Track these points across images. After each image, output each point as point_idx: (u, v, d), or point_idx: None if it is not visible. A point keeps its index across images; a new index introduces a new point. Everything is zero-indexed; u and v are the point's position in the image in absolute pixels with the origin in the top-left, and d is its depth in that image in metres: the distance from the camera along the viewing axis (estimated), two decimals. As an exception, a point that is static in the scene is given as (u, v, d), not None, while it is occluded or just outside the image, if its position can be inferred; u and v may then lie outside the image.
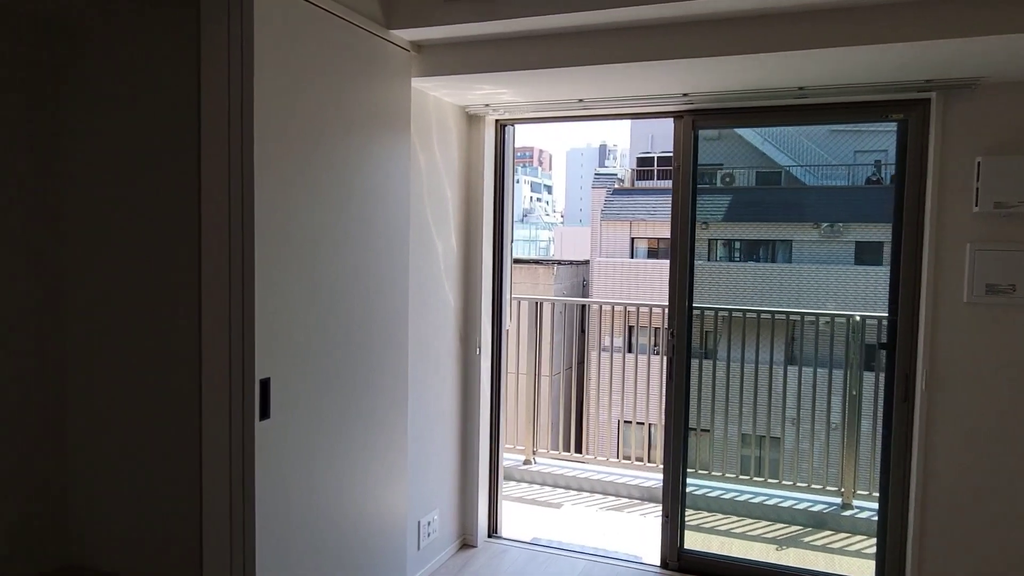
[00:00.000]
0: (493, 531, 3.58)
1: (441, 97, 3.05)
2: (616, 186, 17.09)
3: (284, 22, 2.04)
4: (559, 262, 15.77)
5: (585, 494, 4.40)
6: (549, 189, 54.42)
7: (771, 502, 4.04)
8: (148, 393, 2.94)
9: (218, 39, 1.97)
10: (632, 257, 15.54)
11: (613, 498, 4.35)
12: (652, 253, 15.57)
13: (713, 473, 4.29)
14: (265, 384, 2.02)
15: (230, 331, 2.00)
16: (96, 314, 3.01)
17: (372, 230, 2.47)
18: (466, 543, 3.46)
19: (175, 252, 2.83)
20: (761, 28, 2.22)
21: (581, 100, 2.97)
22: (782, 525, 3.92)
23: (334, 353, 2.30)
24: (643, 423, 6.45)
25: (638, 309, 6.31)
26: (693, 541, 3.33)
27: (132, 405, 2.98)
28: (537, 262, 15.33)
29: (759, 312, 4.73)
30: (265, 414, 2.02)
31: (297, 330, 2.14)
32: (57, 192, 3.02)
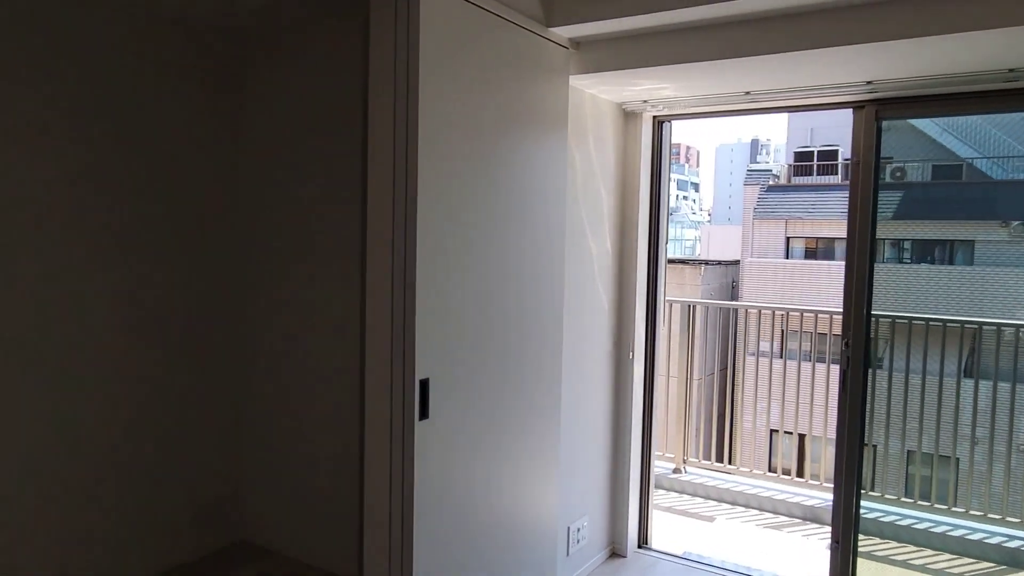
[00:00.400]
0: (643, 541, 3.46)
1: (598, 94, 2.97)
2: (771, 183, 16.25)
3: (448, 25, 2.04)
4: (706, 262, 15.21)
5: (740, 508, 4.17)
6: (696, 187, 52.86)
7: (955, 533, 3.63)
8: (313, 388, 3.09)
9: (385, 43, 2.00)
10: (787, 257, 14.71)
11: (770, 515, 4.09)
12: (810, 253, 14.65)
13: (887, 496, 3.93)
14: (425, 384, 2.03)
15: (392, 332, 2.03)
16: (268, 314, 3.20)
17: (529, 231, 2.44)
18: (615, 552, 3.37)
19: (340, 253, 2.95)
20: (971, 4, 1.96)
21: (748, 93, 2.79)
22: (970, 560, 3.51)
23: (490, 355, 2.29)
24: (791, 432, 6.07)
25: (788, 314, 5.91)
26: (866, 570, 3.05)
27: (299, 399, 3.14)
28: (683, 262, 14.87)
29: (936, 320, 4.28)
30: (424, 414, 2.04)
31: (455, 331, 2.14)
32: (235, 197, 3.24)
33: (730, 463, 4.71)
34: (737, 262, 15.12)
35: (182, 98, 2.99)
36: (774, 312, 5.99)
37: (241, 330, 3.28)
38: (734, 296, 14.60)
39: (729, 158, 45.63)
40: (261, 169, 3.18)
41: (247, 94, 3.19)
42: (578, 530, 3.07)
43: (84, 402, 2.72)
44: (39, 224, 2.56)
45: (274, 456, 3.24)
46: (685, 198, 49.75)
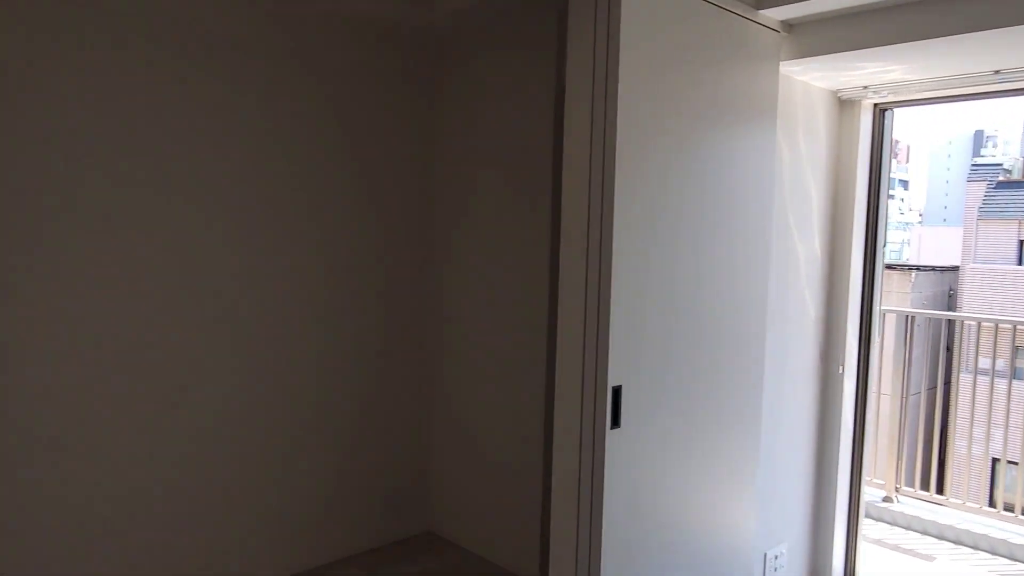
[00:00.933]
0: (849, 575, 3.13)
1: (810, 81, 2.71)
2: (1000, 178, 14.34)
3: (650, 12, 1.92)
4: (918, 268, 13.71)
5: (966, 549, 3.66)
6: (904, 184, 48.10)
7: None
8: (500, 383, 3.09)
9: (584, 33, 1.92)
10: (1020, 263, 12.91)
11: (1006, 560, 3.54)
12: (1049, 259, 12.78)
13: None
14: (617, 392, 1.93)
15: (584, 336, 1.95)
16: (458, 309, 3.26)
17: (730, 232, 2.26)
18: (816, 585, 3.07)
19: (530, 252, 2.93)
20: None
21: (997, 72, 2.41)
22: None
23: (684, 363, 2.14)
24: (1015, 463, 5.26)
25: (1015, 328, 5.12)
26: None
27: (486, 394, 3.16)
28: (890, 267, 13.50)
29: None
30: (616, 423, 1.94)
31: (650, 337, 2.02)
32: (430, 195, 3.33)
33: (940, 492, 4.15)
34: (955, 268, 13.51)
35: (381, 101, 3.11)
36: (996, 325, 5.26)
37: (432, 324, 3.37)
38: (951, 306, 13.06)
39: (946, 152, 41.03)
40: (455, 169, 3.24)
41: (441, 96, 3.27)
42: (775, 557, 2.82)
43: (281, 389, 2.91)
44: (244, 220, 2.77)
45: (460, 448, 3.30)
46: (892, 196, 45.44)
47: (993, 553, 3.60)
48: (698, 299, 2.17)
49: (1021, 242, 12.75)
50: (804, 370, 2.88)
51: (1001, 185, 13.74)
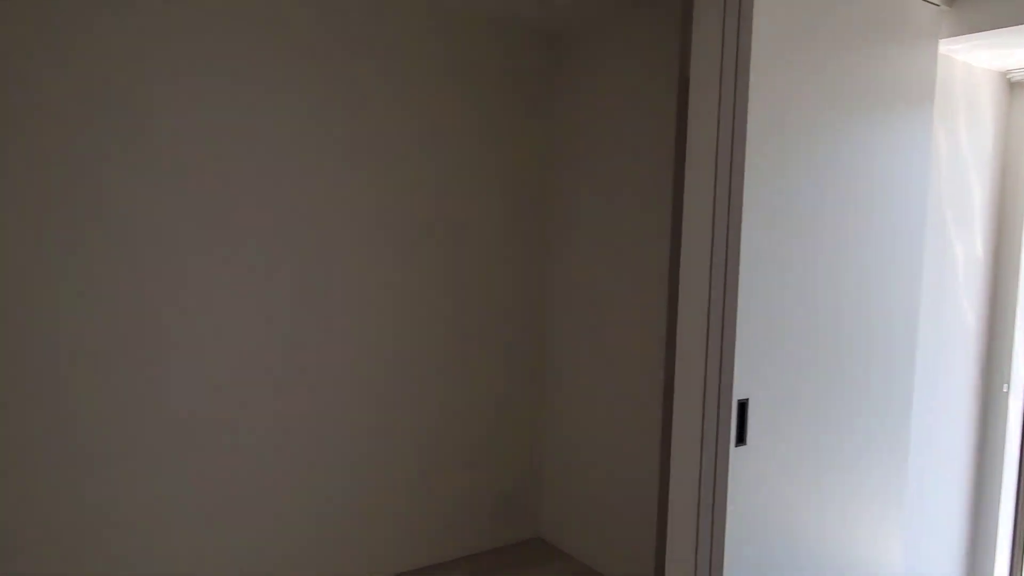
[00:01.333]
0: (1011, 621, 2.76)
1: (973, 62, 2.39)
2: None
3: (789, -14, 1.73)
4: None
5: None
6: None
7: None
8: (613, 395, 2.96)
9: (711, 11, 1.76)
10: None
11: None
12: None
13: None
14: (743, 406, 1.76)
15: (707, 345, 1.79)
16: (573, 313, 3.15)
17: (879, 231, 2.02)
18: (970, 628, 2.73)
19: (648, 253, 2.77)
20: None
21: None
22: None
23: (822, 375, 1.93)
24: None
25: None
26: None
27: (599, 402, 3.03)
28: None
29: None
30: (741, 439, 1.77)
31: (781, 345, 1.83)
32: (546, 194, 3.24)
33: None
34: None
35: (500, 99, 3.04)
36: None
37: (546, 328, 3.28)
38: None
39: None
40: (572, 167, 3.13)
41: (558, 91, 3.17)
42: (922, 594, 2.52)
43: (400, 391, 2.90)
44: (376, 222, 2.77)
45: (572, 455, 3.19)
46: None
47: None
48: (838, 304, 1.95)
49: None
50: (961, 386, 2.56)
51: None
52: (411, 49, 2.78)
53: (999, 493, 2.65)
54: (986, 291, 2.59)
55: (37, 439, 2.21)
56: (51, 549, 2.25)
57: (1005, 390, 2.61)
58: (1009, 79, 2.53)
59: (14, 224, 2.12)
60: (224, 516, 2.54)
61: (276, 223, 2.56)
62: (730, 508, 1.77)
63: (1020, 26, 2.00)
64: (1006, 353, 2.60)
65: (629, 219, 2.87)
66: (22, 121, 2.11)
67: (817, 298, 1.89)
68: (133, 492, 2.37)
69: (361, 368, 2.79)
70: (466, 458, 3.10)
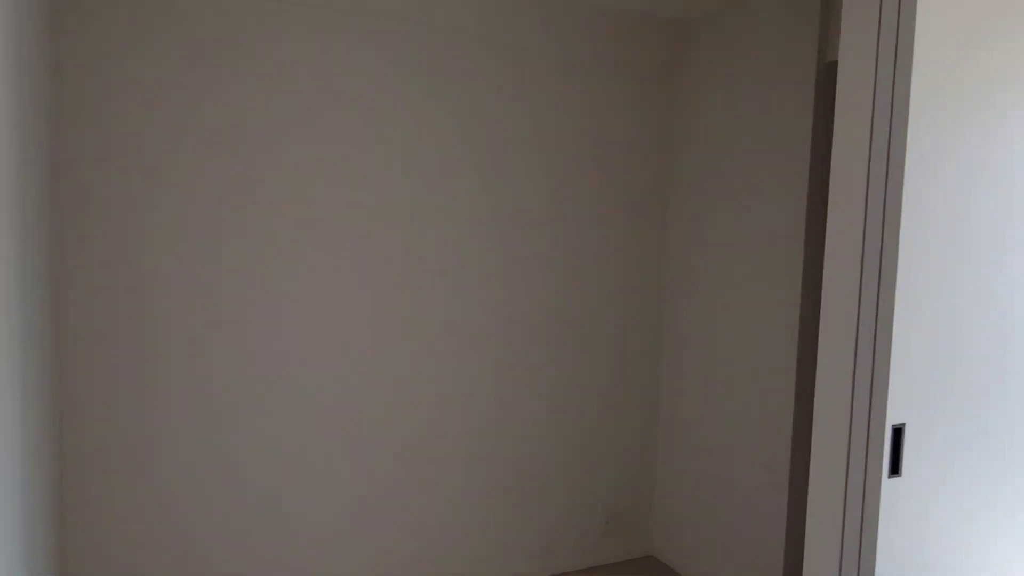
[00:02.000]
0: None
1: None
2: None
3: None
4: None
5: None
6: None
7: None
8: (737, 402, 2.75)
9: (868, -11, 1.55)
10: None
11: None
12: None
13: None
14: (898, 432, 1.55)
15: (855, 361, 1.58)
16: (695, 321, 2.96)
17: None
18: None
19: (775, 252, 2.56)
20: None
21: None
22: None
23: (999, 396, 1.68)
24: None
25: None
26: None
27: (718, 413, 2.83)
28: None
29: None
30: (895, 469, 1.55)
31: (946, 362, 1.60)
32: (668, 190, 3.06)
33: None
34: None
35: (615, 89, 2.90)
36: None
37: (664, 329, 3.11)
38: None
39: None
40: (694, 166, 2.95)
41: (678, 81, 2.99)
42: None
43: (517, 401, 2.81)
44: (487, 223, 2.69)
45: (690, 467, 3.00)
46: None
47: None
48: (1007, 311, 1.69)
49: None
50: None
51: None
52: (523, 41, 2.68)
53: None
54: None
55: (196, 438, 2.25)
56: (180, 548, 2.29)
57: None
58: None
59: (166, 226, 2.18)
60: (352, 520, 2.53)
61: (389, 220, 2.52)
62: (880, 547, 1.56)
63: None
64: None
65: (757, 214, 2.65)
66: (180, 140, 2.16)
67: (984, 308, 1.65)
68: (262, 493, 2.39)
69: (470, 371, 2.72)
70: (575, 467, 2.97)
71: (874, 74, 1.54)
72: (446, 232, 2.63)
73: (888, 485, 1.55)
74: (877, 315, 1.54)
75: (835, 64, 2.47)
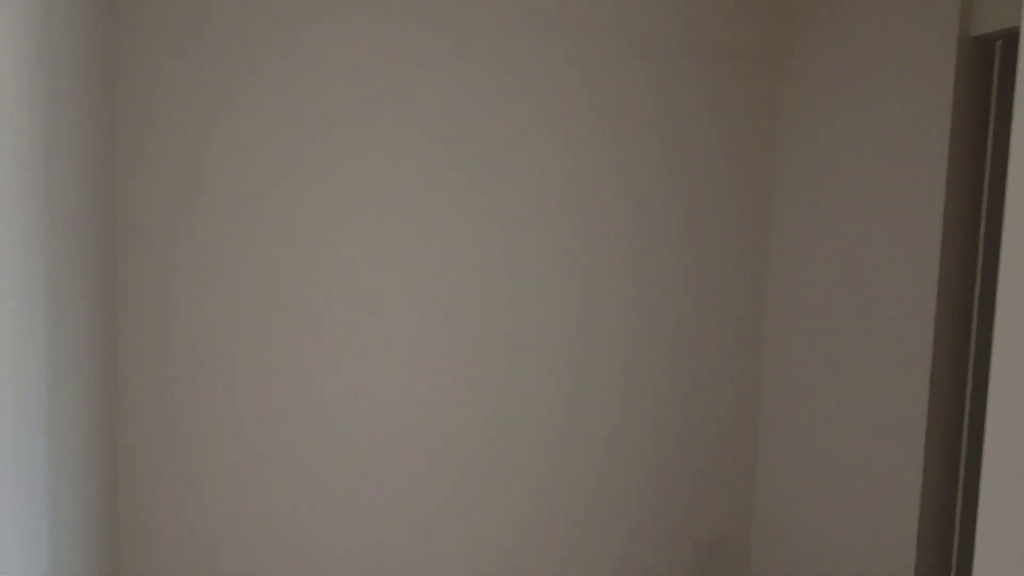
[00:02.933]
0: None
1: None
2: None
3: None
4: None
5: None
6: None
7: None
8: (855, 426, 2.42)
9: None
10: None
11: None
12: None
13: None
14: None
15: None
16: (800, 329, 2.65)
17: None
18: None
19: (903, 260, 2.23)
20: None
21: None
22: None
23: None
24: None
25: None
26: None
27: (832, 439, 2.50)
28: None
29: None
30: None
31: None
32: (772, 188, 2.77)
33: None
34: None
35: (715, 76, 2.62)
36: None
37: (768, 344, 2.80)
38: None
39: None
40: (804, 154, 2.64)
41: (786, 67, 2.69)
42: None
43: (589, 414, 2.57)
44: (559, 224, 2.47)
45: (796, 493, 2.67)
46: None
47: None
48: None
49: None
50: None
51: None
52: (597, 18, 2.45)
53: None
54: None
55: (275, 439, 2.13)
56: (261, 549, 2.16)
57: None
58: None
59: (221, 232, 2.06)
60: (408, 546, 2.35)
61: (455, 218, 2.34)
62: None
63: None
64: None
65: (882, 210, 2.33)
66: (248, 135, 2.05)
67: None
68: (317, 510, 2.23)
69: (535, 381, 2.49)
70: (658, 488, 2.69)
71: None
72: (516, 227, 2.42)
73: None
74: None
75: (982, 39, 2.13)
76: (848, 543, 2.45)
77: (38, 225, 1.36)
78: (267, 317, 2.17)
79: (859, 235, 2.41)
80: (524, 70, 2.37)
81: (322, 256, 2.20)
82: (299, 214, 2.17)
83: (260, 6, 2.08)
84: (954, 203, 2.14)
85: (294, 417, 2.21)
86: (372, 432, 2.30)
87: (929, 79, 2.15)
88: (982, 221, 2.20)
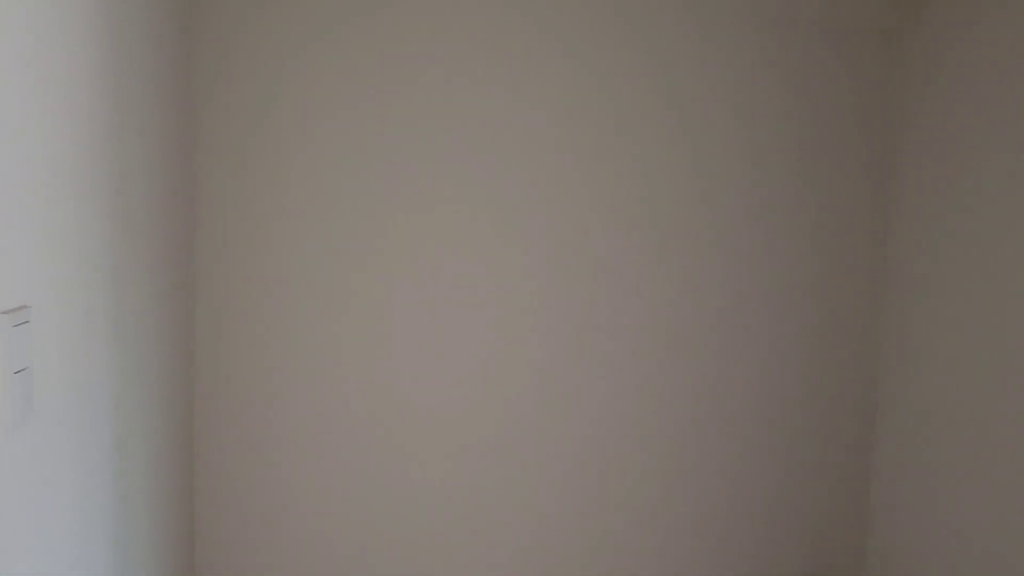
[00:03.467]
0: None
1: None
2: None
3: None
4: None
5: None
6: None
7: None
8: (994, 446, 2.13)
9: None
10: None
11: None
12: None
13: None
14: None
15: None
16: (929, 325, 2.37)
17: None
18: None
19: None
20: None
21: None
22: None
23: None
24: None
25: None
26: None
27: (960, 471, 2.22)
28: None
29: None
30: None
31: None
32: (889, 184, 2.50)
33: None
34: None
35: (825, 60, 2.38)
36: None
37: (890, 352, 2.53)
38: None
39: None
40: (929, 148, 2.37)
41: (909, 52, 2.42)
42: None
43: (683, 430, 2.38)
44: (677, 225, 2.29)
45: (919, 515, 2.38)
46: None
47: None
48: None
49: None
50: None
51: None
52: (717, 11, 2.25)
53: None
54: None
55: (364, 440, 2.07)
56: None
57: None
58: None
59: (303, 230, 2.00)
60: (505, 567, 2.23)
61: (549, 215, 2.21)
62: None
63: None
64: None
65: (1019, 216, 2.05)
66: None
67: None
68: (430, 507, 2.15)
69: (653, 404, 2.32)
70: (759, 511, 2.47)
71: None
72: (634, 243, 2.26)
73: None
74: None
75: None
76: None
77: (110, 227, 1.31)
78: (348, 322, 2.10)
79: (995, 235, 2.12)
80: (639, 48, 2.21)
81: (395, 259, 2.12)
82: (378, 220, 2.10)
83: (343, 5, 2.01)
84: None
85: (369, 421, 2.14)
86: (458, 439, 2.20)
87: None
88: None
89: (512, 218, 2.18)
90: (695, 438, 2.39)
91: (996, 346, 2.12)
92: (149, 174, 1.56)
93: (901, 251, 2.46)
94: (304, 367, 2.08)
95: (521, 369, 2.22)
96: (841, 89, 2.41)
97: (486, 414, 2.21)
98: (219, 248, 2.01)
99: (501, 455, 2.23)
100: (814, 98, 2.39)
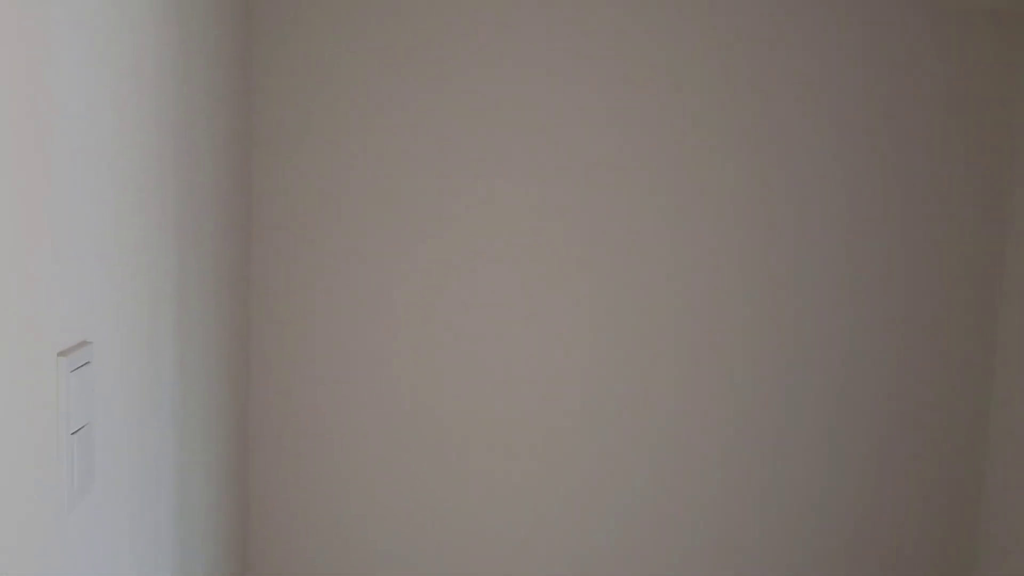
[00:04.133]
0: None
1: None
2: None
3: None
4: None
5: None
6: None
7: None
8: None
9: None
10: None
11: None
12: None
13: None
14: None
15: None
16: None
17: None
18: None
19: None
20: None
21: None
22: None
23: None
24: None
25: None
26: None
27: None
28: None
29: None
30: None
31: None
32: (1013, 182, 2.25)
33: None
34: None
35: (955, 47, 2.15)
36: None
37: (1002, 372, 2.27)
38: None
39: None
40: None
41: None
42: None
43: (804, 452, 2.12)
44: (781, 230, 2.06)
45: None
46: None
47: None
48: None
49: None
50: None
51: None
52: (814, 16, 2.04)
53: None
54: None
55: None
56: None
57: None
58: None
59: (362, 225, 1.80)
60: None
61: (623, 213, 1.99)
62: None
63: None
64: None
65: None
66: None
67: None
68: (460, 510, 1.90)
69: (757, 412, 2.08)
70: (854, 537, 2.21)
71: None
72: (706, 243, 2.03)
73: None
74: None
75: None
76: None
77: (175, 243, 1.08)
78: (408, 321, 1.93)
79: None
80: (738, 52, 1.99)
81: (447, 260, 1.94)
82: (434, 222, 1.92)
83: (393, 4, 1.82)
84: None
85: (423, 420, 1.97)
86: (507, 438, 2.00)
87: None
88: None
89: (567, 219, 1.97)
90: (814, 460, 2.13)
91: None
92: (211, 185, 1.34)
93: (1017, 253, 2.19)
94: (360, 399, 1.89)
95: (573, 369, 2.01)
96: (944, 78, 2.16)
97: (536, 414, 2.01)
98: (273, 264, 1.83)
99: (552, 455, 2.02)
100: (913, 87, 2.15)
